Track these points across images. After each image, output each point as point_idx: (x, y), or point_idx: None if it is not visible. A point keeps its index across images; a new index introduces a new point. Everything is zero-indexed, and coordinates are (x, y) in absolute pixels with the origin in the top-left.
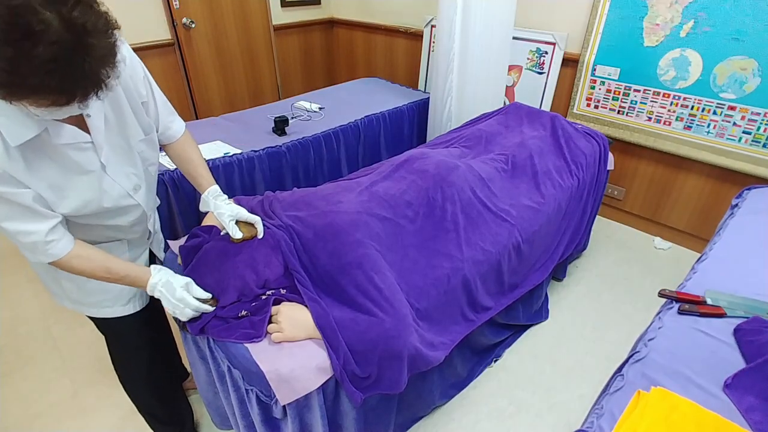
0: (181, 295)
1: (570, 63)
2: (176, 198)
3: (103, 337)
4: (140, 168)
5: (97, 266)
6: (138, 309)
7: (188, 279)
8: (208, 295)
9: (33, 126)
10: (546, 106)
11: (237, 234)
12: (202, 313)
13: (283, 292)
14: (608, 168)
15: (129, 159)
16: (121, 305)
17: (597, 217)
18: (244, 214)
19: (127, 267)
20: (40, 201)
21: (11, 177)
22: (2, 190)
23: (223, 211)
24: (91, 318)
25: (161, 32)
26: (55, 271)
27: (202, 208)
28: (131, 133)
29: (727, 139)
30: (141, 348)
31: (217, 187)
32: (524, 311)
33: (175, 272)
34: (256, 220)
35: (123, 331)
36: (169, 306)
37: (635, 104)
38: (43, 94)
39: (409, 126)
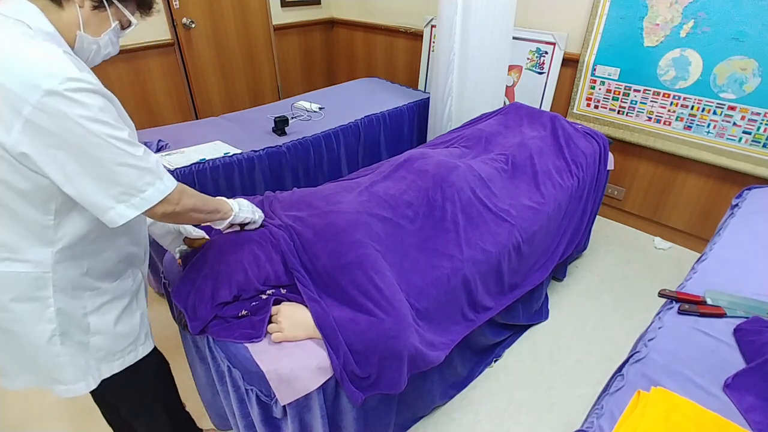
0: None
1: (570, 63)
2: None
3: (121, 406)
4: None
5: (198, 199)
6: (153, 345)
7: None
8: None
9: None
10: (546, 106)
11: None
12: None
13: (283, 291)
14: (608, 168)
15: None
16: (142, 344)
17: (597, 217)
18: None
19: (214, 200)
20: None
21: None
22: (117, 122)
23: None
24: (106, 383)
25: (161, 32)
26: (84, 332)
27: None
28: None
29: (727, 139)
30: (165, 390)
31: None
32: (524, 311)
33: (176, 273)
34: (201, 235)
35: (145, 376)
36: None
37: (635, 104)
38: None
39: (409, 126)
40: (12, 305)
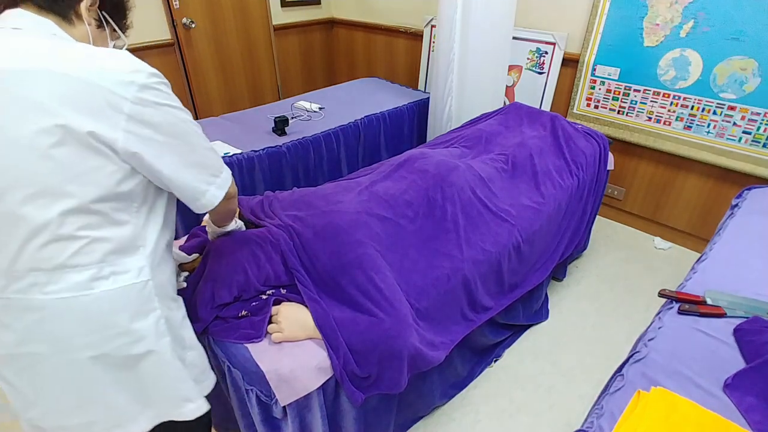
0: None
1: (570, 63)
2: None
3: None
4: None
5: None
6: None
7: None
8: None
9: None
10: (546, 106)
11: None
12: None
13: (283, 291)
14: (608, 168)
15: None
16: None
17: (597, 217)
18: None
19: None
20: None
21: None
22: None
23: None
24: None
25: (161, 32)
26: (182, 346)
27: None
28: None
29: (727, 139)
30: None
31: None
32: (524, 311)
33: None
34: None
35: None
36: None
37: (635, 104)
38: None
39: (409, 126)
40: (133, 326)
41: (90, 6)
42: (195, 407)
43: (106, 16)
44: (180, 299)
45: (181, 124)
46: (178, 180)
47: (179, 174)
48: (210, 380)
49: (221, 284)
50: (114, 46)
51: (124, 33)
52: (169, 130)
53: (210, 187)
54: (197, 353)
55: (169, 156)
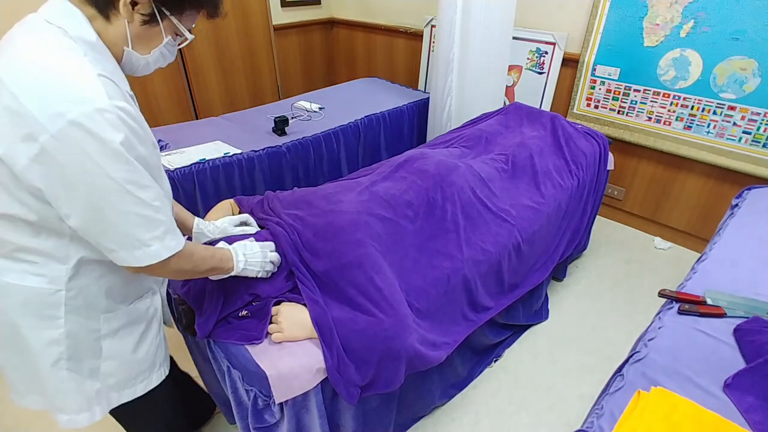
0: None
1: (570, 63)
2: (175, 199)
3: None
4: None
5: (194, 263)
6: (167, 371)
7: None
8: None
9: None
10: (546, 106)
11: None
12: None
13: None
14: (608, 168)
15: None
16: (156, 370)
17: (597, 217)
18: (230, 225)
19: (215, 253)
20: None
21: (144, 138)
22: (143, 151)
23: (209, 233)
24: (118, 411)
25: None
26: (95, 356)
27: (199, 239)
28: None
29: (727, 139)
30: (175, 416)
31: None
32: (524, 311)
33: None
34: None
35: (155, 402)
36: (260, 271)
37: (635, 104)
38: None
39: (409, 126)
40: (20, 320)
41: (131, 2)
42: (67, 419)
43: (164, 10)
44: (123, 311)
45: (104, 179)
46: (78, 227)
47: (83, 223)
48: (135, 388)
49: (233, 295)
50: (177, 45)
51: (187, 27)
52: (83, 178)
53: (121, 250)
54: (119, 363)
55: (73, 202)
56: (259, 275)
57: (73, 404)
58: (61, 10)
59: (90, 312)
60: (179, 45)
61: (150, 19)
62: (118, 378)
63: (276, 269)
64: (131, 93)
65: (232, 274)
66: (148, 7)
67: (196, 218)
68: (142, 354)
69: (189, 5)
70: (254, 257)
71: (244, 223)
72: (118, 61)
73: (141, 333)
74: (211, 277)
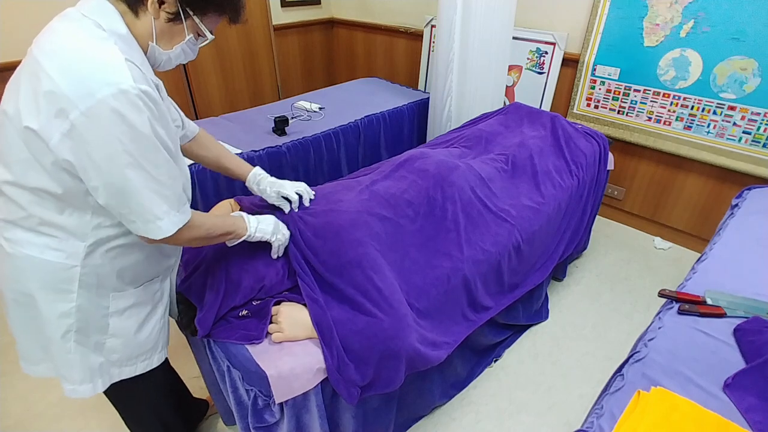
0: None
1: (570, 63)
2: None
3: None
4: None
5: (205, 230)
6: (166, 355)
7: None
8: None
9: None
10: (546, 106)
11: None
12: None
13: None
14: (608, 168)
15: None
16: (158, 352)
17: (597, 217)
18: (286, 185)
19: (225, 219)
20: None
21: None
22: (162, 133)
23: (268, 191)
24: (113, 389)
25: None
26: (101, 332)
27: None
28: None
29: (727, 139)
30: (165, 397)
31: (256, 170)
32: (524, 311)
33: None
34: (299, 188)
35: (150, 385)
36: (273, 236)
37: (635, 104)
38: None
39: (409, 126)
40: (37, 292)
41: (159, 0)
42: (71, 389)
43: (188, 10)
44: (131, 292)
45: (124, 156)
46: (102, 200)
47: (106, 196)
48: (136, 366)
49: (233, 291)
50: (199, 44)
51: (209, 28)
52: (107, 154)
53: (138, 223)
54: (123, 341)
55: (96, 175)
56: (272, 241)
57: (77, 375)
58: (96, 5)
59: (101, 290)
60: (200, 44)
61: (174, 17)
62: (120, 354)
63: (288, 242)
64: (156, 81)
65: (246, 237)
66: (173, 6)
67: (255, 170)
68: (145, 334)
69: (212, 9)
70: (266, 222)
71: None
72: (145, 52)
73: (146, 315)
74: (227, 243)
